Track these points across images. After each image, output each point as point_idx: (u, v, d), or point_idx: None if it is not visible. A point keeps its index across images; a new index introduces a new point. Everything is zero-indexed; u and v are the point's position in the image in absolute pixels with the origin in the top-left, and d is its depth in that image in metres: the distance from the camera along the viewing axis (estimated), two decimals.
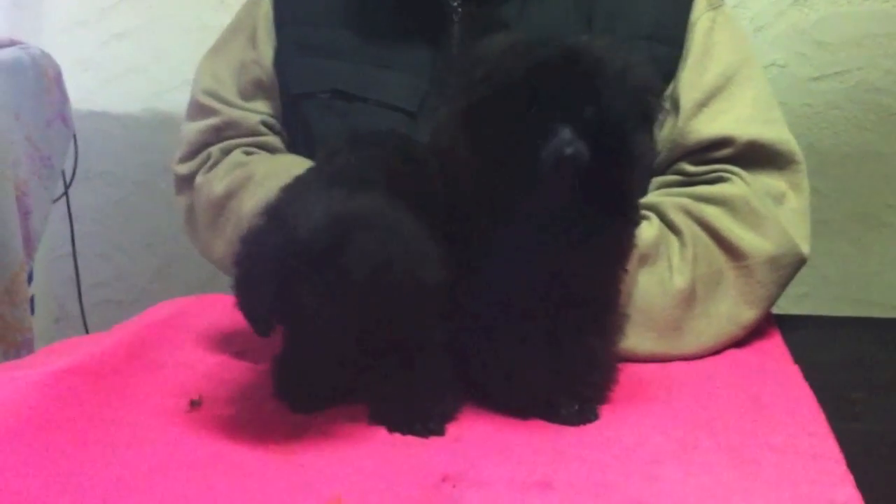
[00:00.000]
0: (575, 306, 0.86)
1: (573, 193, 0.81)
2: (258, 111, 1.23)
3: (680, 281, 1.03)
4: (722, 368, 1.01)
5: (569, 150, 0.76)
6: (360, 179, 0.83)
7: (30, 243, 1.47)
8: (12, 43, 1.55)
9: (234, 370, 0.95)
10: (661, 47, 1.14)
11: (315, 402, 0.87)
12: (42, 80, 1.54)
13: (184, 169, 1.23)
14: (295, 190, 0.88)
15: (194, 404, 0.87)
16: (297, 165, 1.11)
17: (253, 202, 1.13)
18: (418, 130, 1.12)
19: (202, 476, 0.73)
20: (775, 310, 1.13)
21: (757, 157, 1.10)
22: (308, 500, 0.70)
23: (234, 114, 1.22)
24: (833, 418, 0.86)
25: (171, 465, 0.75)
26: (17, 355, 1.36)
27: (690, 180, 1.11)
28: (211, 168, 1.20)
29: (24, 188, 1.45)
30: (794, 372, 0.99)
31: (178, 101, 1.65)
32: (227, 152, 1.21)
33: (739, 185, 1.08)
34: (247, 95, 1.24)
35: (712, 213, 1.06)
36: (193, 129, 1.24)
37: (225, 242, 1.17)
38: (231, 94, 1.23)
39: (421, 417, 0.83)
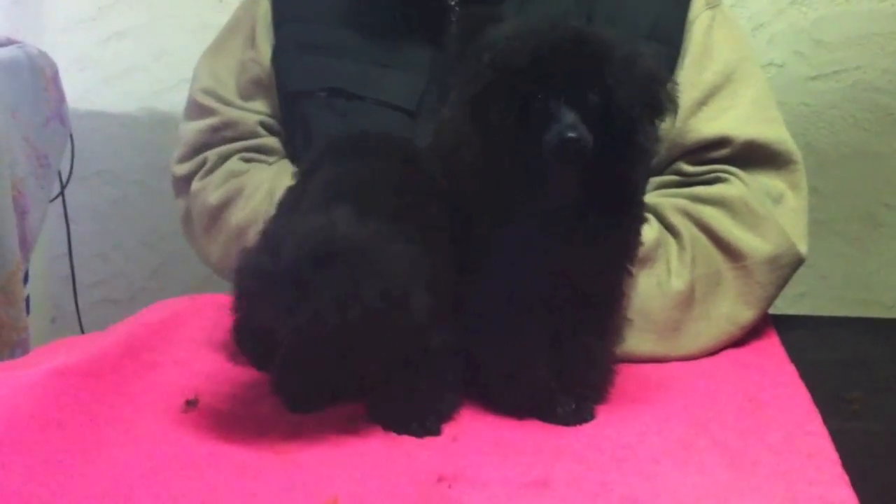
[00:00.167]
0: (578, 306, 0.86)
1: (578, 188, 0.80)
2: (257, 111, 1.23)
3: (678, 283, 1.03)
4: (719, 368, 1.01)
5: (571, 134, 0.76)
6: (337, 199, 0.82)
7: (26, 243, 1.47)
8: (9, 42, 1.55)
9: (231, 370, 0.95)
10: (659, 46, 1.13)
11: (313, 401, 0.87)
12: (39, 79, 1.54)
13: (182, 169, 1.23)
14: (276, 218, 0.89)
15: (190, 404, 0.86)
16: (282, 177, 1.12)
17: (242, 215, 1.15)
18: (417, 129, 1.12)
19: (198, 475, 0.73)
20: (773, 310, 1.13)
21: (755, 156, 1.10)
22: (304, 499, 0.70)
23: (233, 114, 1.22)
24: (829, 418, 0.86)
25: (168, 464, 0.75)
26: (13, 355, 1.36)
27: (688, 180, 1.11)
28: (207, 174, 1.20)
29: (21, 187, 1.45)
30: (790, 372, 0.99)
31: (176, 100, 1.64)
32: (224, 158, 1.21)
33: (737, 185, 1.08)
34: (246, 95, 1.23)
35: (711, 215, 1.06)
36: (192, 128, 1.24)
37: (219, 249, 1.18)
38: (230, 93, 1.23)
39: (417, 417, 0.83)
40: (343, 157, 0.90)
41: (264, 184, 1.15)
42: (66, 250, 1.81)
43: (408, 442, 0.81)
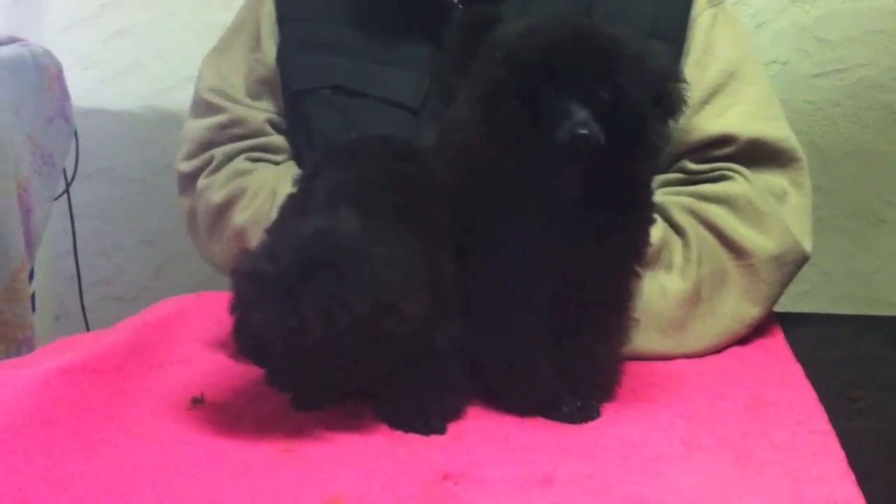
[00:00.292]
0: (584, 306, 0.86)
1: (586, 185, 0.80)
2: (265, 109, 1.23)
3: (684, 281, 1.04)
4: (724, 366, 1.01)
5: (582, 131, 0.76)
6: (339, 204, 0.82)
7: (31, 241, 1.47)
8: (13, 40, 1.55)
9: (236, 367, 0.95)
10: (661, 43, 1.13)
11: (316, 400, 0.87)
12: (43, 77, 1.54)
13: (187, 166, 1.23)
14: (276, 223, 0.89)
15: (196, 401, 0.87)
16: (285, 179, 1.12)
17: (244, 216, 1.15)
18: (419, 127, 1.12)
19: (203, 473, 0.73)
20: (776, 307, 1.13)
21: (759, 154, 1.10)
22: (309, 497, 0.70)
23: (241, 111, 1.22)
24: (834, 416, 0.86)
25: (173, 462, 0.75)
26: (18, 353, 1.36)
27: (692, 178, 1.11)
28: (213, 172, 1.20)
29: (26, 186, 1.45)
30: (795, 370, 0.99)
31: (179, 98, 1.65)
32: (230, 157, 1.21)
33: (742, 183, 1.08)
34: (253, 95, 1.24)
35: (716, 213, 1.07)
36: (199, 126, 1.24)
37: (222, 248, 1.18)
38: (238, 92, 1.23)
39: (422, 415, 0.83)
40: (343, 161, 0.90)
41: (268, 184, 1.15)
42: (70, 248, 1.81)
43: (413, 440, 0.81)
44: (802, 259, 1.09)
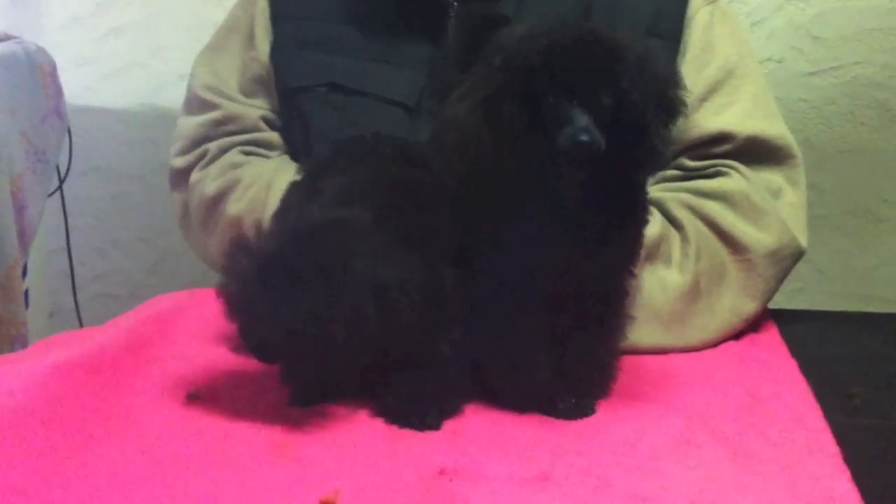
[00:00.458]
0: (581, 304, 0.86)
1: (586, 187, 0.80)
2: (258, 107, 1.23)
3: (683, 276, 1.04)
4: (719, 363, 1.01)
5: (585, 137, 0.75)
6: (347, 204, 0.82)
7: (24, 238, 1.47)
8: (7, 38, 1.54)
9: (232, 364, 0.95)
10: (659, 41, 1.13)
11: (316, 395, 0.87)
12: (37, 75, 1.54)
13: (181, 162, 1.23)
14: (276, 215, 0.90)
15: (191, 398, 0.86)
16: (282, 171, 1.11)
17: (238, 207, 1.15)
18: (417, 125, 1.12)
19: (200, 469, 0.73)
20: (771, 304, 1.13)
21: (756, 152, 1.10)
22: (306, 492, 0.70)
23: (236, 108, 1.22)
24: (830, 413, 0.86)
25: (168, 458, 0.75)
26: (12, 350, 1.36)
27: (689, 175, 1.11)
28: (206, 165, 1.20)
29: (19, 183, 1.45)
30: (791, 366, 0.99)
31: (175, 96, 1.64)
32: (224, 150, 1.21)
33: (738, 179, 1.08)
34: (247, 93, 1.23)
35: (713, 208, 1.07)
36: (193, 122, 1.24)
37: (216, 241, 1.18)
38: (232, 90, 1.23)
39: (418, 411, 0.83)
40: (351, 162, 0.90)
41: (263, 176, 1.15)
42: (64, 245, 1.81)
43: (409, 436, 0.81)
44: (798, 254, 1.09)
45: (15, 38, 1.55)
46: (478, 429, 0.82)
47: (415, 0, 1.17)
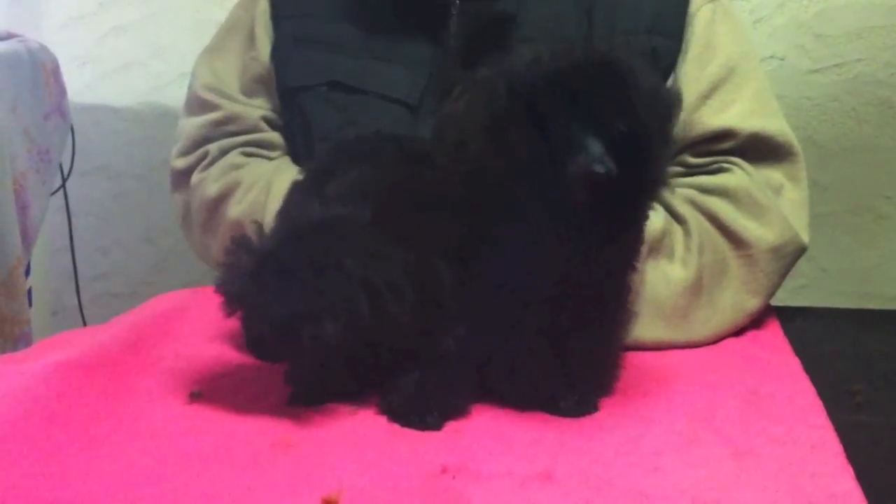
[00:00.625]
0: (584, 303, 0.85)
1: (591, 210, 0.79)
2: (259, 107, 1.23)
3: (686, 270, 1.04)
4: (722, 360, 1.01)
5: (600, 169, 0.72)
6: (351, 202, 0.82)
7: (27, 237, 1.47)
8: (10, 36, 1.55)
9: (234, 362, 0.95)
10: (660, 40, 1.14)
11: (318, 394, 0.87)
12: (40, 73, 1.54)
13: (182, 163, 1.23)
14: (279, 213, 0.90)
15: (194, 396, 0.87)
16: (281, 173, 1.11)
17: (238, 209, 1.15)
18: (418, 124, 1.12)
19: (202, 468, 0.73)
20: (773, 301, 1.13)
21: (758, 149, 1.10)
22: (308, 491, 0.70)
23: (236, 108, 1.22)
24: (832, 410, 0.86)
25: (171, 457, 0.75)
26: (15, 348, 1.36)
27: (691, 171, 1.11)
28: (207, 166, 1.20)
29: (22, 182, 1.45)
30: (793, 364, 0.99)
31: (176, 95, 1.65)
32: (224, 151, 1.20)
33: (740, 175, 1.09)
34: (248, 93, 1.24)
35: (716, 204, 1.07)
36: (194, 123, 1.24)
37: (217, 242, 1.17)
38: (233, 90, 1.23)
39: (420, 411, 0.83)
40: (354, 161, 0.89)
41: (263, 178, 1.15)
42: (67, 244, 1.81)
43: (411, 434, 0.81)
44: (800, 250, 1.09)
45: (17, 36, 1.56)
46: (480, 427, 0.82)
47: None
